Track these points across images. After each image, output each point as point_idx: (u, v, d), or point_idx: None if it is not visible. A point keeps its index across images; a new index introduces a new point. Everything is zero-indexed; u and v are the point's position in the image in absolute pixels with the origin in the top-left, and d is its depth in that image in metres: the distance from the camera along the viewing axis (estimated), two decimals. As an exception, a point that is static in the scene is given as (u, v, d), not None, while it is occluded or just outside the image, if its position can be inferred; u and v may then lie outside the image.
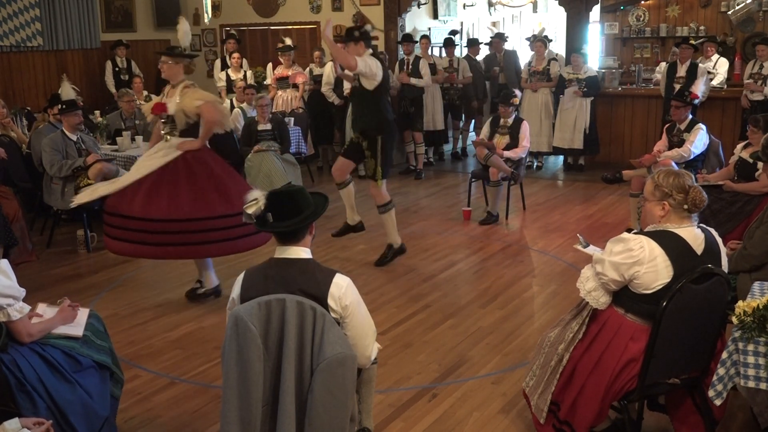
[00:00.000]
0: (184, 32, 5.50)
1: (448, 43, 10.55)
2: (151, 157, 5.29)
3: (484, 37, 13.85)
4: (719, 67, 9.61)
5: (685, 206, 3.08)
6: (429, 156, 10.91)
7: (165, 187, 5.10)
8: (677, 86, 9.02)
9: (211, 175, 5.20)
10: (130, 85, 9.69)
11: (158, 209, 5.00)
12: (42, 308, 3.39)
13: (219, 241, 5.09)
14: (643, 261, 3.02)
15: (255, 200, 2.89)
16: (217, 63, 10.70)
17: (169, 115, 5.27)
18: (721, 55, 10.39)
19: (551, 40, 10.74)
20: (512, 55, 11.07)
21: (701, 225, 3.20)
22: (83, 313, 3.43)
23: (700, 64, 9.18)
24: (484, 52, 12.18)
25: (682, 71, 9.06)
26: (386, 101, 6.27)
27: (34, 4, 10.18)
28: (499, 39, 11.31)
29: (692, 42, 9.74)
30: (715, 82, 9.54)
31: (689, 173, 3.20)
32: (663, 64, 10.18)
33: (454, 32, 11.18)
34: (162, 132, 5.34)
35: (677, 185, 3.08)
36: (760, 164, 5.59)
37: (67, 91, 7.11)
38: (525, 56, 11.16)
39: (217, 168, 5.29)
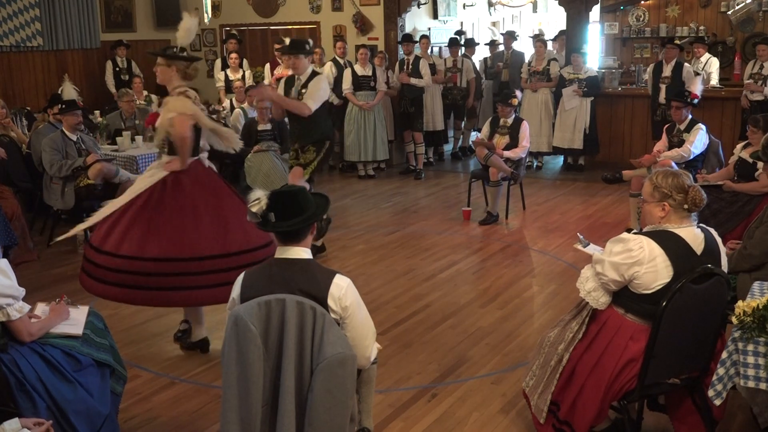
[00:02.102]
0: (185, 29, 4.67)
1: (453, 44, 10.57)
2: (142, 179, 4.53)
3: (484, 37, 13.88)
4: (709, 66, 9.60)
5: (685, 206, 3.08)
6: (429, 156, 10.92)
7: (140, 219, 4.28)
8: (663, 86, 9.06)
9: (188, 208, 4.34)
10: (130, 85, 9.69)
11: (130, 246, 4.19)
12: (41, 308, 3.39)
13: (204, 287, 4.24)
14: (643, 261, 3.02)
15: (257, 200, 2.89)
16: (218, 63, 10.71)
17: (156, 128, 4.66)
18: (717, 55, 10.39)
19: (563, 32, 10.69)
20: (519, 56, 11.09)
21: (701, 225, 3.20)
22: (82, 312, 3.44)
23: (685, 64, 9.18)
24: (482, 52, 12.19)
25: (667, 71, 9.07)
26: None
27: (34, 4, 10.18)
28: (509, 36, 11.36)
29: (677, 42, 9.75)
30: (713, 82, 9.54)
31: (687, 173, 3.21)
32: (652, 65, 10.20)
33: (459, 32, 11.17)
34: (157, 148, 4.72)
35: (676, 185, 3.09)
36: (759, 164, 5.59)
37: (69, 91, 7.12)
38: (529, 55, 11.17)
39: (202, 200, 4.38)
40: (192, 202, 4.34)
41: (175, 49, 4.71)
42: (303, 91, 6.04)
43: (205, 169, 4.57)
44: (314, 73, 6.17)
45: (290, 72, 6.38)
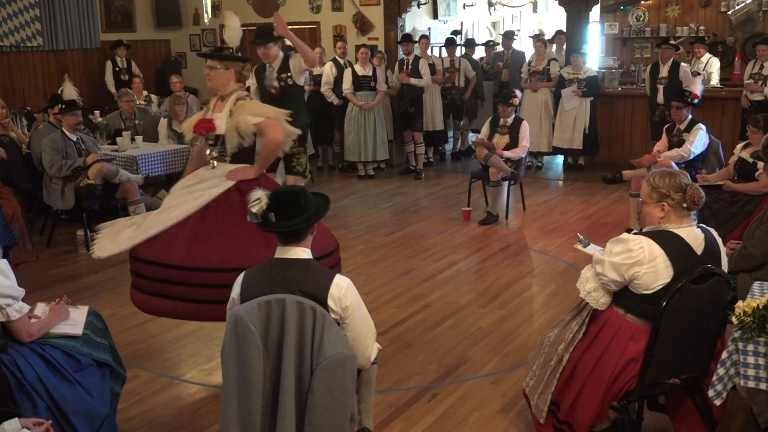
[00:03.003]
0: (234, 28, 4.38)
1: (450, 43, 10.57)
2: (193, 190, 4.05)
3: (483, 37, 13.89)
4: (710, 67, 9.61)
5: (684, 205, 3.08)
6: (429, 156, 10.92)
7: (213, 228, 3.90)
8: (660, 87, 9.06)
9: None
10: (130, 85, 9.69)
11: (202, 257, 3.78)
12: (41, 308, 3.39)
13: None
14: (643, 261, 3.02)
15: (258, 200, 2.88)
16: (217, 63, 10.69)
17: (218, 135, 4.10)
18: (717, 55, 10.39)
19: (561, 32, 10.72)
20: (520, 56, 11.09)
21: (701, 225, 3.20)
22: (82, 312, 3.44)
23: (682, 64, 9.18)
24: (479, 52, 12.19)
25: (664, 71, 9.07)
26: None
27: (34, 4, 10.18)
28: (507, 37, 11.35)
29: (672, 42, 9.76)
30: (713, 82, 9.54)
31: (684, 172, 3.21)
32: (649, 66, 10.15)
33: (456, 32, 11.17)
34: (207, 156, 4.17)
35: (674, 185, 3.09)
36: (759, 164, 5.60)
37: (69, 91, 7.10)
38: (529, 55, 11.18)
39: None
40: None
41: (231, 50, 4.29)
42: (283, 75, 5.89)
43: (267, 178, 4.21)
44: (287, 57, 6.00)
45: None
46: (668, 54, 9.09)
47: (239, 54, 4.33)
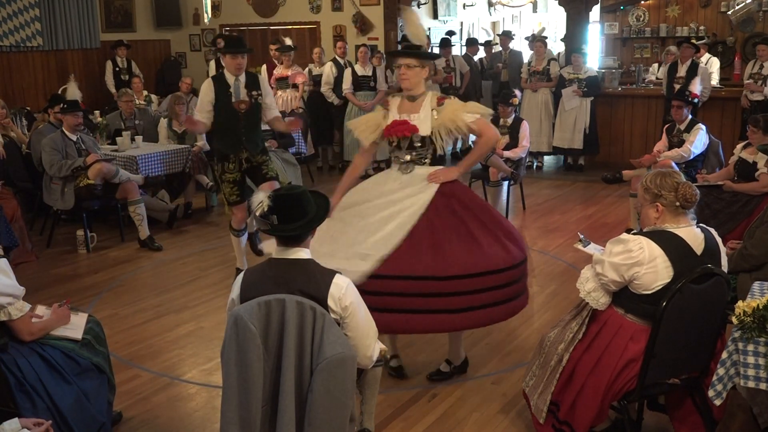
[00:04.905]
0: (417, 24, 4.13)
1: (445, 44, 10.56)
2: (396, 199, 3.88)
3: (481, 37, 13.90)
4: (710, 66, 9.61)
5: (677, 203, 3.08)
6: (429, 156, 10.90)
7: (447, 235, 3.79)
8: (677, 86, 9.05)
9: (468, 218, 3.88)
10: (130, 85, 9.69)
11: (454, 264, 3.72)
12: (41, 310, 3.39)
13: (464, 310, 3.77)
14: (643, 262, 3.02)
15: (261, 203, 2.87)
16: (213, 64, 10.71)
17: (423, 137, 3.94)
18: (717, 55, 10.41)
19: (546, 37, 10.79)
20: (518, 55, 11.10)
21: (701, 225, 3.20)
22: (82, 318, 3.44)
23: (701, 64, 9.17)
24: (481, 52, 12.23)
25: (682, 71, 9.07)
26: None
27: (34, 4, 10.19)
28: (505, 37, 11.37)
29: (693, 42, 9.76)
30: (713, 82, 9.55)
31: (677, 171, 3.22)
32: (656, 65, 10.13)
33: (450, 33, 11.17)
34: (400, 160, 4.00)
35: (665, 184, 3.09)
36: (760, 164, 5.60)
37: (72, 91, 7.10)
38: (527, 56, 11.22)
39: (475, 208, 3.97)
40: (462, 216, 3.88)
41: (421, 48, 4.06)
42: (254, 93, 5.55)
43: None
44: (252, 74, 5.71)
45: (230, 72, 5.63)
46: (688, 53, 9.05)
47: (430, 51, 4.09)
